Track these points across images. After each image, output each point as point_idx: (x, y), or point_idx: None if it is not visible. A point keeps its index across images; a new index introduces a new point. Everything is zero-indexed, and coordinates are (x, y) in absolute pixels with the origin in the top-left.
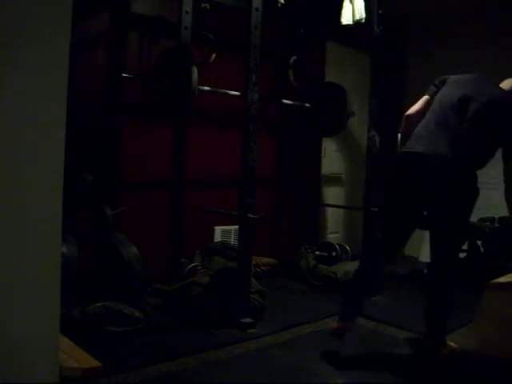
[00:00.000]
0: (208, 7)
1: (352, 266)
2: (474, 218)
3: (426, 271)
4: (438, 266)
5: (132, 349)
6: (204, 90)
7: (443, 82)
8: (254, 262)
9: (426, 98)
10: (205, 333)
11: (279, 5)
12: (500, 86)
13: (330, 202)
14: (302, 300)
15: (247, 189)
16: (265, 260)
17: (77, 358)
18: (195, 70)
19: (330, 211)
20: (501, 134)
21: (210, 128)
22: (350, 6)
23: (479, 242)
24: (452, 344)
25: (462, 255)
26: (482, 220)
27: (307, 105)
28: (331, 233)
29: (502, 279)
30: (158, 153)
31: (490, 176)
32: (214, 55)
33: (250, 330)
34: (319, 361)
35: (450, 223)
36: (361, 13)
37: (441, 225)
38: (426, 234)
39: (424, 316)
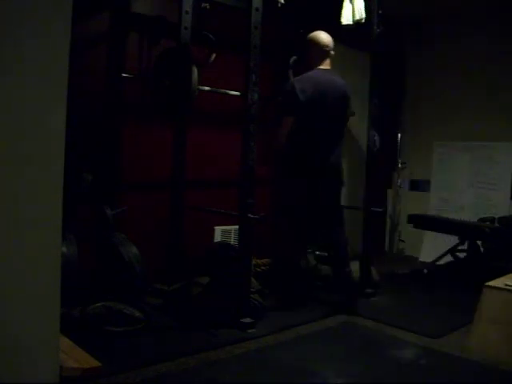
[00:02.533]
0: (208, 7)
1: (352, 266)
2: (474, 218)
3: (425, 271)
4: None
5: (132, 349)
6: (204, 90)
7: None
8: (253, 262)
9: None
10: (205, 333)
11: (279, 5)
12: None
13: None
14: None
15: (247, 189)
16: (265, 260)
17: (77, 358)
18: (195, 70)
19: None
20: None
21: (210, 128)
22: (350, 5)
23: (479, 242)
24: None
25: (462, 255)
26: (481, 220)
27: None
28: None
29: (502, 279)
30: (158, 153)
31: (490, 176)
32: (214, 55)
33: (249, 330)
34: (319, 361)
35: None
36: (361, 13)
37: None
38: (426, 234)
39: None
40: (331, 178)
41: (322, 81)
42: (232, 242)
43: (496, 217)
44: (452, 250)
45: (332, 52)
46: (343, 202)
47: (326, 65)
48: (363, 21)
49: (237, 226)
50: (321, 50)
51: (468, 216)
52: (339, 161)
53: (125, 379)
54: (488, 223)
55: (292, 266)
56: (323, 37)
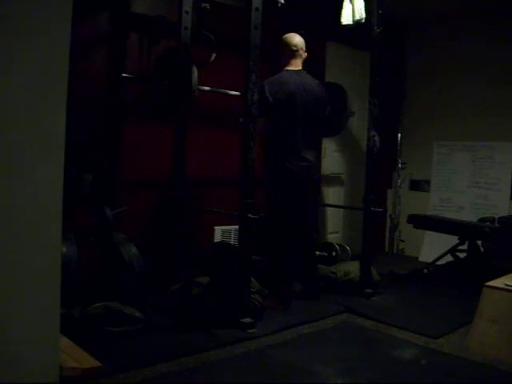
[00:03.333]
0: (208, 7)
1: (352, 266)
2: (474, 218)
3: (425, 271)
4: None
5: (132, 349)
6: (204, 90)
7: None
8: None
9: None
10: (205, 333)
11: (279, 5)
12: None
13: (330, 202)
14: (302, 300)
15: (247, 189)
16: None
17: (77, 357)
18: (195, 70)
19: (329, 211)
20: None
21: (210, 128)
22: (350, 6)
23: (479, 242)
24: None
25: (462, 255)
26: (481, 220)
27: None
28: (331, 233)
29: (502, 279)
30: (158, 153)
31: (490, 176)
32: (214, 55)
33: (250, 330)
34: (319, 361)
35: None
36: (361, 13)
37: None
38: (426, 234)
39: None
40: (304, 182)
41: (290, 81)
42: (232, 242)
43: (496, 217)
44: (452, 250)
45: (303, 53)
46: (343, 202)
47: (295, 65)
48: (363, 21)
49: (237, 226)
50: (290, 51)
51: (468, 216)
52: (314, 162)
53: (125, 379)
54: (488, 223)
55: (289, 265)
56: (292, 37)
